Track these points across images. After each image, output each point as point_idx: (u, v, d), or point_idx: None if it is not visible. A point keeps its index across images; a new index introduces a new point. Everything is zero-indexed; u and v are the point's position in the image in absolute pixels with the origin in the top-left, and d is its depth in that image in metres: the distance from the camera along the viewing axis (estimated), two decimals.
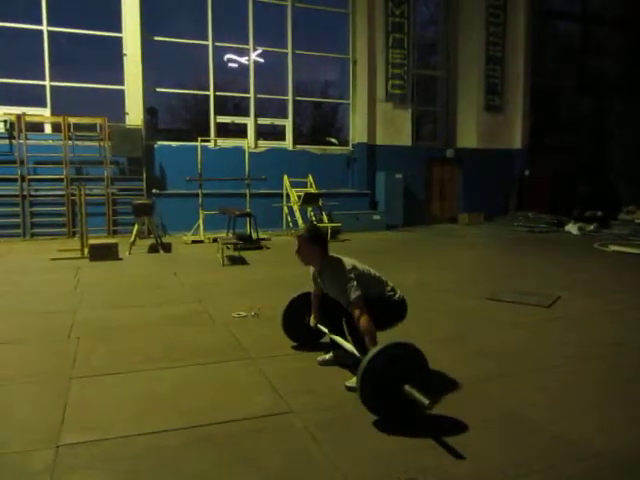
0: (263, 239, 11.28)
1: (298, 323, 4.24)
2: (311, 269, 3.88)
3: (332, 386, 3.52)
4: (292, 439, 2.84)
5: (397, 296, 3.69)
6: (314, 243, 3.63)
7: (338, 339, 3.74)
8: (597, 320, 5.28)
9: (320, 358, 3.95)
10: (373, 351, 3.00)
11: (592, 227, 13.48)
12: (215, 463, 2.61)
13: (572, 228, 13.59)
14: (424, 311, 5.31)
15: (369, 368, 2.91)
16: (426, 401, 2.79)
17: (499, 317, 5.35)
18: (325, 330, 3.94)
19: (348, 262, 3.60)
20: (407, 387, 2.91)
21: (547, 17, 17.40)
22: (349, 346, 3.56)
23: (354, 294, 3.37)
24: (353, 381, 3.45)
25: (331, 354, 3.93)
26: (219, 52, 13.70)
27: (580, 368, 3.92)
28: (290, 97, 14.44)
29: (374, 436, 2.86)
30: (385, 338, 3.25)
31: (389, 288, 3.70)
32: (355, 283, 3.41)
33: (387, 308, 3.60)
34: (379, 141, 15.05)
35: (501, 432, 2.93)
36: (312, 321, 4.07)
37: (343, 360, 3.83)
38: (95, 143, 12.20)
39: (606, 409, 3.24)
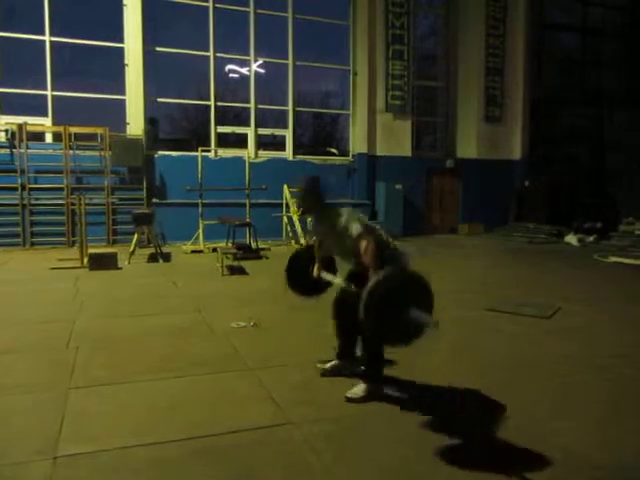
0: (263, 249, 11.27)
1: (302, 274, 4.18)
2: (310, 223, 3.98)
3: (332, 397, 3.50)
4: (291, 451, 2.82)
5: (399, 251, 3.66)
6: (314, 187, 3.86)
7: (329, 277, 3.86)
8: (598, 331, 5.26)
9: (320, 368, 3.94)
10: (383, 273, 3.01)
11: (592, 238, 13.48)
12: (214, 475, 2.59)
13: (572, 239, 13.58)
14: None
15: (377, 287, 2.91)
16: (431, 320, 2.85)
17: (499, 328, 5.33)
18: (329, 278, 3.91)
19: None
20: (413, 309, 2.92)
21: (547, 29, 17.52)
22: (338, 280, 3.69)
23: (358, 230, 3.37)
24: (353, 391, 3.44)
25: (331, 364, 3.91)
26: (220, 63, 13.76)
27: (581, 380, 3.91)
28: (290, 107, 14.50)
29: (374, 448, 2.84)
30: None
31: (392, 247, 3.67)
32: (358, 225, 3.40)
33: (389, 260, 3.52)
34: (379, 151, 15.07)
35: (501, 445, 2.91)
36: (315, 271, 4.03)
37: (343, 370, 3.82)
38: (96, 153, 12.22)
39: (607, 422, 3.22)
